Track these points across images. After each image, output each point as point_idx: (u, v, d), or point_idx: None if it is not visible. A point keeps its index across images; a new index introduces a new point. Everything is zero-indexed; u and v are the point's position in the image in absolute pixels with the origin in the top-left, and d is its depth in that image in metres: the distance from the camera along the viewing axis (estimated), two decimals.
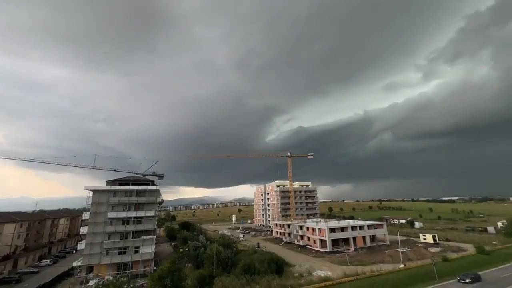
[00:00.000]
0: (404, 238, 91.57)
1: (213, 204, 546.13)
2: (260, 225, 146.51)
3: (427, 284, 47.26)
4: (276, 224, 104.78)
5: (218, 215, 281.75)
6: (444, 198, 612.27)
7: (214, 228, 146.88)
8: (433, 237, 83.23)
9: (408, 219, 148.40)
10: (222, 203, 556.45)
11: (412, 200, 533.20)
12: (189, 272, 53.19)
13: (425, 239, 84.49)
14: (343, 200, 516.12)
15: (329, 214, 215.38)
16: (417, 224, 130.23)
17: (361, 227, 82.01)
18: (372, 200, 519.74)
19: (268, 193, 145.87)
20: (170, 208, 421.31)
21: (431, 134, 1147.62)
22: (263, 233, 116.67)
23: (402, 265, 57.54)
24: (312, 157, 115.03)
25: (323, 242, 77.27)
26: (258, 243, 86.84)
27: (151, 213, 60.96)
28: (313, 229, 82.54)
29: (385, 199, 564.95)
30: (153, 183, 64.72)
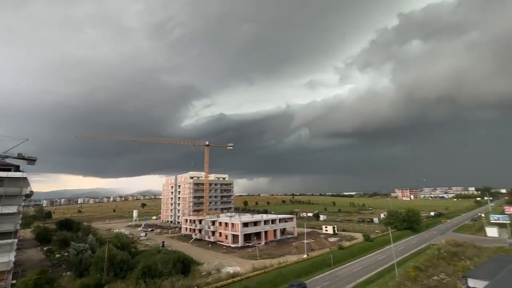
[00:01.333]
0: (310, 230, 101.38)
1: (108, 198, 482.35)
2: (168, 221, 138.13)
3: (324, 271, 52.59)
4: (187, 220, 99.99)
5: (114, 210, 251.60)
6: (345, 193, 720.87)
7: (108, 226, 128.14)
8: (333, 228, 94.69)
9: (314, 212, 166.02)
10: (121, 196, 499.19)
11: (320, 194, 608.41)
12: (68, 282, 44.47)
13: (326, 230, 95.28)
14: (259, 194, 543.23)
15: (244, 208, 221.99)
16: (321, 217, 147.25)
17: (273, 221, 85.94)
18: (286, 194, 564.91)
19: (179, 186, 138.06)
20: (45, 203, 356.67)
21: (340, 134, 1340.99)
22: (170, 230, 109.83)
23: (305, 255, 62.52)
24: (231, 148, 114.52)
25: (235, 237, 77.44)
26: (163, 241, 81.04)
27: (13, 209, 47.41)
28: (226, 224, 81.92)
29: (298, 194, 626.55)
30: (17, 168, 50.82)
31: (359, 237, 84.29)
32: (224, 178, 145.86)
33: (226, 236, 79.86)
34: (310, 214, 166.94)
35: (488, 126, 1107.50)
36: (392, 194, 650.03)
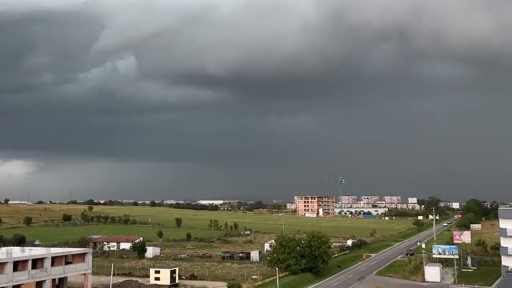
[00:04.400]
0: (124, 279, 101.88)
1: None
2: None
3: None
4: None
5: None
6: (202, 202, 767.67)
7: None
8: (171, 273, 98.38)
9: (136, 240, 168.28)
10: None
11: (152, 204, 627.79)
12: None
13: (158, 278, 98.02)
14: (6, 200, 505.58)
15: None
16: (149, 251, 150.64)
17: (35, 263, 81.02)
18: (74, 202, 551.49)
19: None
20: None
21: (203, 79, 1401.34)
22: None
23: None
24: None
25: None
26: None
27: None
28: None
29: (103, 201, 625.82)
30: None
31: None
32: None
33: None
34: (126, 246, 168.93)
35: (452, 94, 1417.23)
36: (288, 205, 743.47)
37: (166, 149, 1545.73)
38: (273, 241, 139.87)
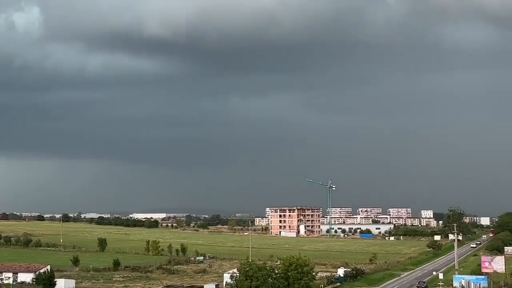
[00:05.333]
0: None
1: None
2: None
3: None
4: None
5: None
6: (137, 216, 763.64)
7: None
8: None
9: (42, 270, 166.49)
10: None
11: (40, 217, 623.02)
12: None
13: None
14: None
15: None
16: (61, 284, 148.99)
17: None
18: None
19: None
20: None
21: (136, 40, 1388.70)
22: None
23: None
24: None
25: None
26: None
27: None
28: None
29: None
30: None
31: None
32: None
33: None
34: (27, 277, 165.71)
35: (481, 68, 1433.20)
36: (258, 220, 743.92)
37: (85, 140, 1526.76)
38: (235, 270, 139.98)
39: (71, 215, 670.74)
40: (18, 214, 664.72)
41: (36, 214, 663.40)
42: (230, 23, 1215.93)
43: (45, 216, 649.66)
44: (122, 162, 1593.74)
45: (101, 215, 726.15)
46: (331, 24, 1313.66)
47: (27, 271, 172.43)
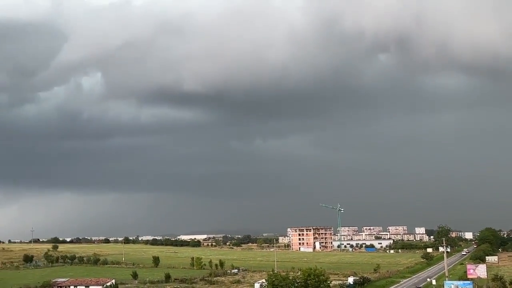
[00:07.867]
0: None
1: None
2: None
3: None
4: None
5: None
6: (182, 237, 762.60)
7: None
8: None
9: (108, 283, 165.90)
10: None
11: (115, 240, 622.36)
12: None
13: None
14: None
15: None
16: None
17: None
18: (39, 241, 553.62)
19: None
20: None
21: (178, 96, 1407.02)
22: None
23: None
24: None
25: None
26: None
27: None
28: None
29: (67, 238, 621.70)
30: None
31: None
32: None
33: None
34: None
35: (460, 109, 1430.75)
36: (281, 239, 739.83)
37: (139, 177, 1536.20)
38: (264, 280, 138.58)
39: (131, 238, 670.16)
40: (89, 238, 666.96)
41: (103, 237, 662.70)
42: (250, 78, 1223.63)
43: (110, 239, 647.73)
44: (170, 194, 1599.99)
45: (155, 237, 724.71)
46: (332, 75, 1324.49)
47: (97, 284, 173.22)
